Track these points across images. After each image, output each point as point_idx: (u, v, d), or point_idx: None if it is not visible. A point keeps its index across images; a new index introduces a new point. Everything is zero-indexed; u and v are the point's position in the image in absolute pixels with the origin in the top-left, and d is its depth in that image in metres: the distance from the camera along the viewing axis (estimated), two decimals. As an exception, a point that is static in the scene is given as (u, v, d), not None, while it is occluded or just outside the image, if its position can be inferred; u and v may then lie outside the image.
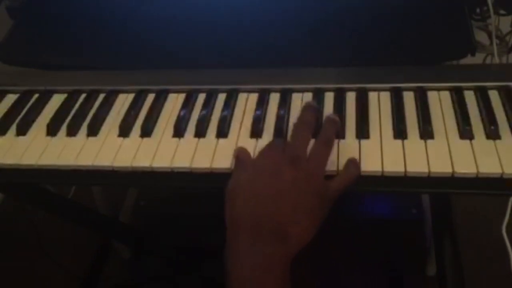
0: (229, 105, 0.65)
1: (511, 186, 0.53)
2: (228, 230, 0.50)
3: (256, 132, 0.61)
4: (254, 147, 0.59)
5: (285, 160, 0.51)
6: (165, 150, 0.60)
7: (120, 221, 1.37)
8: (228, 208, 0.51)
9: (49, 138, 0.64)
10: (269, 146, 0.55)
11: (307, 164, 0.52)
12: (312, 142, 0.55)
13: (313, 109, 0.58)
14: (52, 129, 0.65)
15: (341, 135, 0.59)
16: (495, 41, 0.74)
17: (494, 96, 0.61)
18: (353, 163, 0.54)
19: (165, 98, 0.67)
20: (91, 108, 0.67)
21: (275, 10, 0.76)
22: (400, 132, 0.58)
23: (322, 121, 0.57)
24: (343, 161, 0.55)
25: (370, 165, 0.55)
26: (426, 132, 0.57)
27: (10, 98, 0.71)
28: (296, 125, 0.56)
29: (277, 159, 0.52)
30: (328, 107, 0.63)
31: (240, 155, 0.56)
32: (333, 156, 0.56)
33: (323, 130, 0.56)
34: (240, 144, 0.59)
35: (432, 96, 0.63)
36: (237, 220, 0.50)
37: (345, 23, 0.74)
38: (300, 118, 0.57)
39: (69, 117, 0.66)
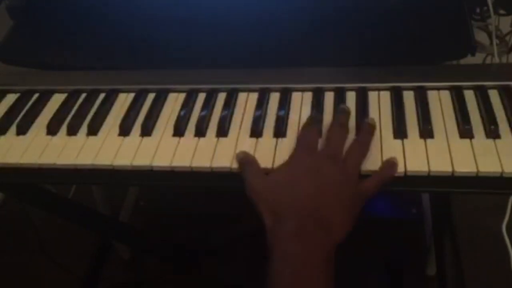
0: (229, 104, 0.65)
1: (511, 185, 0.53)
2: (270, 225, 0.51)
3: (256, 131, 0.61)
4: (254, 146, 0.59)
5: (323, 157, 0.54)
6: (165, 149, 0.60)
7: (120, 221, 1.37)
8: (267, 205, 0.52)
9: (49, 137, 0.64)
10: (304, 144, 0.57)
11: (343, 162, 0.54)
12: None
13: (347, 112, 0.61)
14: (52, 129, 0.65)
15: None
16: (495, 41, 0.74)
17: (494, 95, 0.61)
18: (389, 165, 0.55)
19: (165, 98, 0.68)
20: (91, 107, 0.67)
21: (275, 9, 0.76)
22: (400, 132, 0.58)
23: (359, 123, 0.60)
24: (343, 161, 0.56)
25: (370, 164, 0.55)
26: (426, 132, 0.57)
27: (10, 98, 0.71)
28: (332, 126, 0.59)
29: (315, 157, 0.55)
30: (328, 107, 0.63)
31: (245, 156, 0.57)
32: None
33: (361, 133, 0.58)
34: (240, 144, 0.60)
35: (432, 95, 0.63)
36: (283, 210, 0.51)
37: (345, 23, 0.74)
38: (336, 120, 0.60)
39: (69, 117, 0.66)
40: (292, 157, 0.56)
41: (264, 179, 0.54)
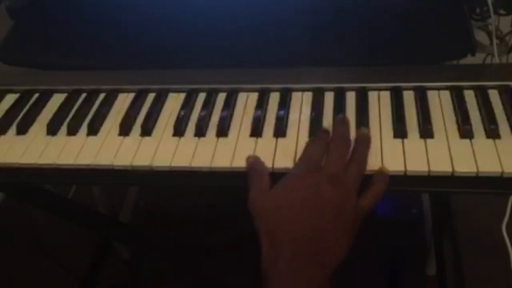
0: (229, 104, 0.65)
1: (511, 185, 0.53)
2: (266, 247, 0.49)
3: (256, 131, 0.61)
4: (254, 146, 0.59)
5: (324, 179, 0.51)
6: (165, 149, 0.60)
7: (120, 221, 1.37)
8: (265, 227, 0.50)
9: (49, 137, 0.64)
10: (306, 162, 0.54)
11: (343, 181, 0.52)
12: None
13: (346, 122, 0.58)
14: (52, 128, 0.65)
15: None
16: (495, 41, 0.74)
17: (494, 95, 0.61)
18: (381, 177, 0.53)
19: (165, 98, 0.68)
20: (91, 107, 0.67)
21: (275, 10, 0.76)
22: (400, 131, 0.58)
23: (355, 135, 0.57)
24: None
25: (370, 164, 0.55)
26: (426, 131, 0.57)
27: (10, 98, 0.71)
28: (332, 141, 0.56)
29: (316, 178, 0.51)
30: (328, 107, 0.63)
31: (257, 166, 0.55)
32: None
33: (358, 146, 0.55)
34: (240, 143, 0.60)
35: (432, 95, 0.63)
36: (279, 236, 0.49)
37: (346, 23, 0.74)
38: (336, 134, 0.57)
39: (69, 116, 0.66)
40: (295, 174, 0.53)
41: (266, 199, 0.52)
